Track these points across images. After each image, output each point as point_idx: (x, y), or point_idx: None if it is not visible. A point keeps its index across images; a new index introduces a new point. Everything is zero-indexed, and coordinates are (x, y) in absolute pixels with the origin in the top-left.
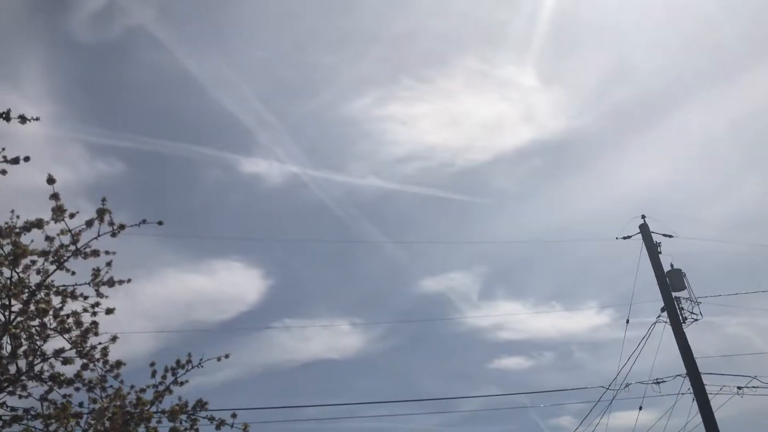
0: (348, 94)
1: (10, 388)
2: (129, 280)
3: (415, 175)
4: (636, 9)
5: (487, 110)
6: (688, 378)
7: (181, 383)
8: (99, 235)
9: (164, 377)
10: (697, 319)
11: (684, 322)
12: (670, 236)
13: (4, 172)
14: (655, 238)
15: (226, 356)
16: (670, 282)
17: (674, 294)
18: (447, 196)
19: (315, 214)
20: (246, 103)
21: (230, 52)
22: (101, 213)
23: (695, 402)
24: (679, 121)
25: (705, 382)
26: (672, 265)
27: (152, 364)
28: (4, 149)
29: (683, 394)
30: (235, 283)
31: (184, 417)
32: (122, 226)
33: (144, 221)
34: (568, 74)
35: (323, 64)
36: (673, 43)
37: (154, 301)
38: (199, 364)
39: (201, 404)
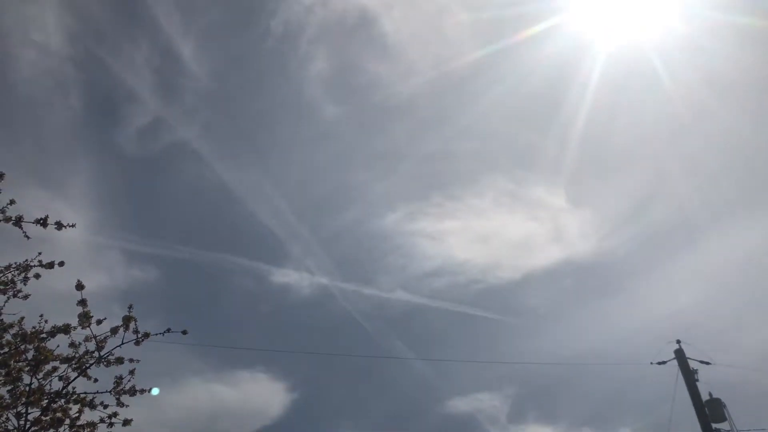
0: (379, 209)
1: None
2: (150, 390)
3: (443, 291)
4: (671, 135)
5: (517, 229)
6: None
7: None
8: (123, 343)
9: None
10: None
11: None
12: (708, 363)
13: (37, 276)
14: (692, 364)
15: None
16: (709, 412)
17: (714, 425)
18: (476, 313)
19: (343, 326)
20: (280, 215)
21: (268, 167)
22: (127, 320)
23: None
24: (715, 244)
25: None
26: (711, 394)
27: None
28: (40, 254)
29: None
30: (259, 395)
31: None
32: (146, 335)
33: (168, 330)
34: (598, 196)
35: (356, 181)
36: (708, 167)
37: (178, 411)
38: None
39: None
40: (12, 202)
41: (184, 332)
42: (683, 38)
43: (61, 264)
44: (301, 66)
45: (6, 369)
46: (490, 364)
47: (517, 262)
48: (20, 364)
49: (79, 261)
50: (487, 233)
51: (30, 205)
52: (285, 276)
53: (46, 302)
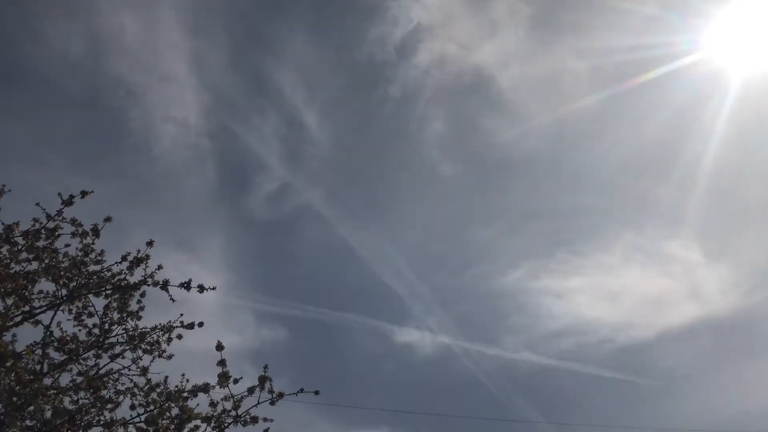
0: (501, 267)
1: None
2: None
3: (572, 351)
4: None
5: (649, 285)
6: None
7: None
8: (259, 403)
9: None
10: None
11: None
12: None
13: (180, 336)
14: None
15: None
16: None
17: None
18: (607, 375)
19: (467, 387)
20: (401, 275)
21: (389, 227)
22: (262, 380)
23: None
24: None
25: None
26: None
27: None
28: (182, 315)
29: None
30: None
31: None
32: (281, 395)
33: (302, 390)
34: (738, 248)
35: (476, 239)
36: None
37: None
38: None
39: None
40: (160, 267)
41: (317, 392)
42: None
43: (201, 324)
44: (419, 127)
45: (155, 427)
46: (623, 429)
47: (650, 320)
48: (166, 422)
49: (214, 321)
50: (616, 290)
51: (170, 268)
52: (407, 335)
53: (182, 361)
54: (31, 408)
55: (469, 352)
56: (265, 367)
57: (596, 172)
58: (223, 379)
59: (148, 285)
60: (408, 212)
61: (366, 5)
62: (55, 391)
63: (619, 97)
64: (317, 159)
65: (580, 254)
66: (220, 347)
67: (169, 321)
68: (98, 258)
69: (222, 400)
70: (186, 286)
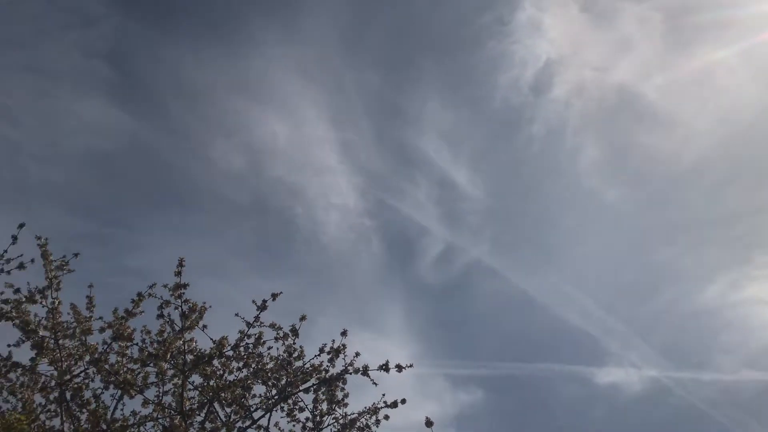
0: (694, 284)
1: None
2: None
3: None
4: None
5: None
6: None
7: None
8: None
9: None
10: None
11: None
12: None
13: (387, 417)
14: None
15: None
16: None
17: None
18: None
19: (687, 420)
20: (588, 313)
21: (563, 267)
22: None
23: None
24: None
25: None
26: None
27: None
28: (384, 395)
29: None
30: None
31: None
32: None
33: None
34: None
35: (659, 260)
36: None
37: None
38: None
39: None
40: (357, 354)
41: None
42: None
43: (404, 402)
44: (571, 159)
45: None
46: None
47: None
48: None
49: (410, 393)
50: None
51: (359, 349)
52: (609, 375)
53: None
54: None
55: (682, 382)
56: None
57: None
58: None
59: (350, 373)
60: (580, 247)
61: (491, 55)
62: None
63: None
64: (475, 213)
65: None
66: (429, 423)
67: (374, 403)
68: (299, 354)
69: None
70: (385, 368)
